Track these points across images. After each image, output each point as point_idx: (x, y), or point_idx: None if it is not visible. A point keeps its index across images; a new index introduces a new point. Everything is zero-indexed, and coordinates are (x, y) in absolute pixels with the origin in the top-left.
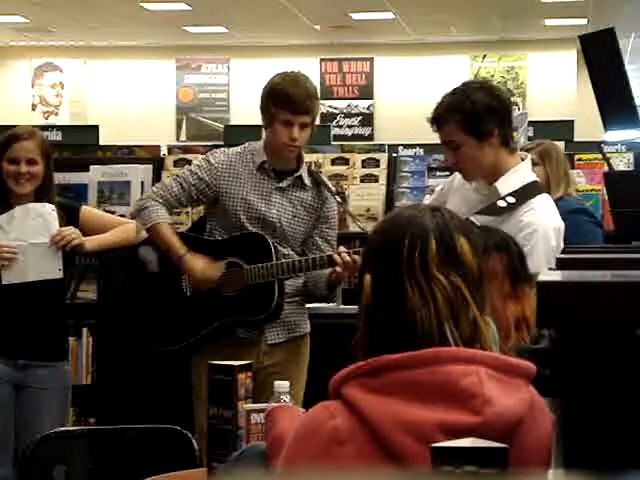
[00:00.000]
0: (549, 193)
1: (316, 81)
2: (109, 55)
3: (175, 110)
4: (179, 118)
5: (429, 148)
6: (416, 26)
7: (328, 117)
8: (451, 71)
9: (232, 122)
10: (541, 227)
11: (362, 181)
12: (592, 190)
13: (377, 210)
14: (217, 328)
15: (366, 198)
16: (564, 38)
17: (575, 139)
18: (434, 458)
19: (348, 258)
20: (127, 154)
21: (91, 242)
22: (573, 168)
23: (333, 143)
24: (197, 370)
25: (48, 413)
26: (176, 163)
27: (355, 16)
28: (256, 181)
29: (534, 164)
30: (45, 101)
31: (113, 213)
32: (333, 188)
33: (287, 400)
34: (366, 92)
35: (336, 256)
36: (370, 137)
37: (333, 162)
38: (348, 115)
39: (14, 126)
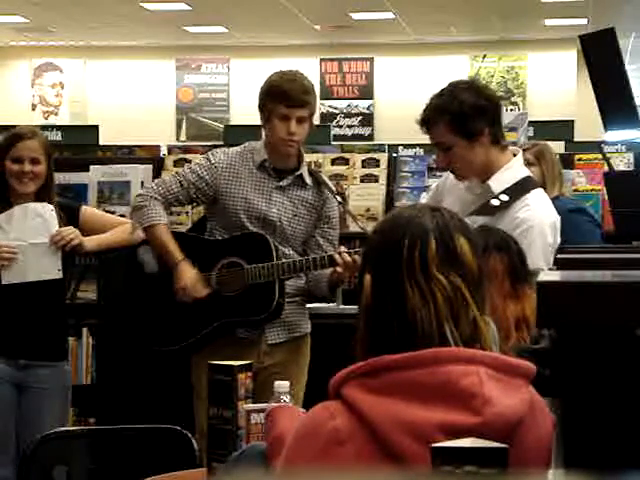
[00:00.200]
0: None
1: (316, 81)
2: (109, 55)
3: (175, 110)
4: (179, 118)
5: (429, 148)
6: (416, 26)
7: (328, 117)
8: (451, 71)
9: (232, 122)
10: (537, 223)
11: (362, 181)
12: (592, 190)
13: (377, 210)
14: (217, 328)
15: (366, 198)
16: (564, 38)
17: (575, 139)
18: (434, 458)
19: (349, 258)
20: (127, 154)
21: (91, 242)
22: (573, 168)
23: (333, 143)
24: (197, 370)
25: (49, 413)
26: (176, 163)
27: (355, 16)
28: (256, 180)
29: (530, 164)
30: (45, 101)
31: (113, 213)
32: (334, 188)
33: (287, 400)
34: (366, 92)
35: (336, 256)
36: (370, 137)
37: (333, 162)
38: (348, 115)
39: (14, 126)
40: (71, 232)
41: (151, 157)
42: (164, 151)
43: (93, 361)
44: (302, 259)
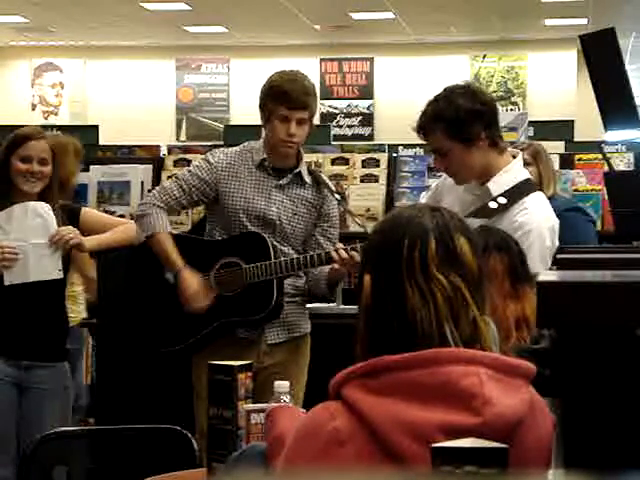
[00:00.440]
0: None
1: (316, 81)
2: (109, 55)
3: (175, 110)
4: (179, 118)
5: (429, 148)
6: (416, 26)
7: (328, 117)
8: (451, 71)
9: (232, 122)
10: (535, 227)
11: (362, 181)
12: (592, 190)
13: (377, 210)
14: (217, 328)
15: (366, 198)
16: (564, 38)
17: (575, 139)
18: (434, 458)
19: (345, 254)
20: (127, 154)
21: (91, 241)
22: (573, 168)
23: (333, 143)
24: (197, 370)
25: (50, 414)
26: (176, 163)
27: (355, 16)
28: (255, 179)
29: (527, 164)
30: (45, 101)
31: (113, 213)
32: (333, 187)
33: (287, 400)
34: (366, 92)
35: (334, 253)
36: (370, 137)
37: (333, 162)
38: (348, 115)
39: (14, 126)
40: (70, 231)
41: (151, 157)
42: (164, 151)
43: (93, 361)
44: (299, 257)
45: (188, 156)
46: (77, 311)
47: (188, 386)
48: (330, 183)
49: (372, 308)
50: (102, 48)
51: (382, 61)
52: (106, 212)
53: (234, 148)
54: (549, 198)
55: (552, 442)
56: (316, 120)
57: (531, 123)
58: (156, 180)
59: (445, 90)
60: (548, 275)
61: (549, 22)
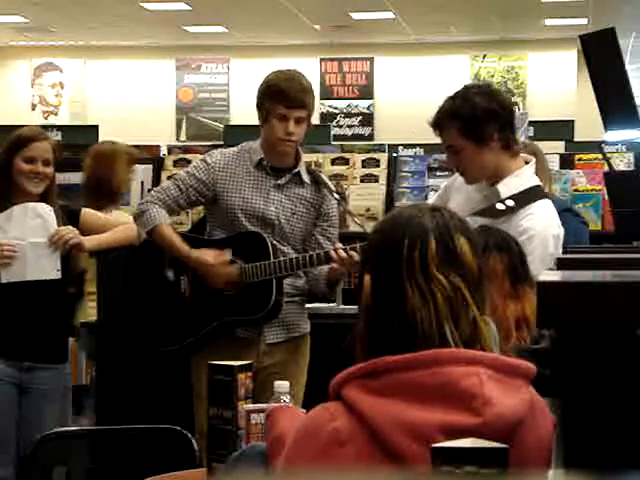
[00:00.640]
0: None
1: (316, 81)
2: (109, 55)
3: (175, 110)
4: (179, 118)
5: (429, 148)
6: (416, 26)
7: (328, 117)
8: (451, 71)
9: (232, 122)
10: (539, 233)
11: (362, 181)
12: (592, 190)
13: (377, 210)
14: (216, 328)
15: (366, 198)
16: (564, 38)
17: (575, 139)
18: (434, 459)
19: (344, 254)
20: None
21: (91, 241)
22: (573, 168)
23: (333, 143)
24: (197, 370)
25: (50, 415)
26: (176, 163)
27: (355, 16)
28: (254, 179)
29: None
30: (45, 101)
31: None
32: (332, 186)
33: (287, 400)
34: (366, 92)
35: (332, 252)
36: (370, 137)
37: (333, 162)
38: (348, 115)
39: (14, 126)
40: (69, 231)
41: (151, 157)
42: (164, 151)
43: (93, 361)
44: (298, 256)
45: (188, 156)
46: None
47: (188, 386)
48: (329, 183)
49: (372, 308)
50: (102, 48)
51: (382, 61)
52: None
53: (232, 148)
54: None
55: (552, 442)
56: (316, 120)
57: (531, 123)
58: (156, 180)
59: (464, 88)
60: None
61: (549, 22)
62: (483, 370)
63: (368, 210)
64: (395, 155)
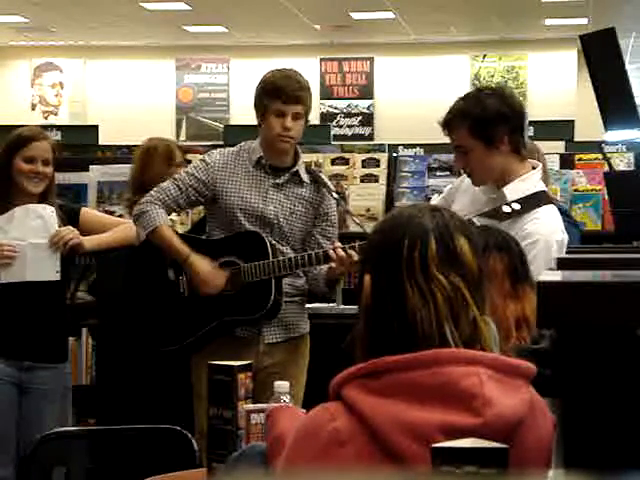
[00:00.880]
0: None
1: (316, 81)
2: (109, 55)
3: (175, 110)
4: (179, 118)
5: (429, 148)
6: (416, 26)
7: (328, 117)
8: (451, 71)
9: (232, 122)
10: (543, 238)
11: (362, 181)
12: (592, 190)
13: (377, 210)
14: (216, 327)
15: (366, 198)
16: (564, 38)
17: (575, 139)
18: (434, 459)
19: (343, 253)
20: (127, 154)
21: (91, 241)
22: (573, 168)
23: (333, 143)
24: (197, 370)
25: (50, 415)
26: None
27: (355, 16)
28: (253, 178)
29: None
30: (45, 101)
31: (112, 213)
32: (332, 186)
33: (287, 400)
34: (366, 92)
35: (331, 252)
36: (370, 137)
37: (333, 162)
38: (348, 115)
39: (14, 126)
40: (69, 232)
41: None
42: None
43: (93, 361)
44: (297, 256)
45: (188, 156)
46: None
47: (188, 386)
48: (328, 182)
49: (372, 308)
50: (102, 48)
51: (382, 61)
52: (106, 212)
53: (231, 148)
54: None
55: (552, 442)
56: (316, 120)
57: (531, 123)
58: None
59: (476, 89)
60: (548, 275)
61: (549, 22)
62: (483, 370)
63: (368, 210)
64: (395, 155)
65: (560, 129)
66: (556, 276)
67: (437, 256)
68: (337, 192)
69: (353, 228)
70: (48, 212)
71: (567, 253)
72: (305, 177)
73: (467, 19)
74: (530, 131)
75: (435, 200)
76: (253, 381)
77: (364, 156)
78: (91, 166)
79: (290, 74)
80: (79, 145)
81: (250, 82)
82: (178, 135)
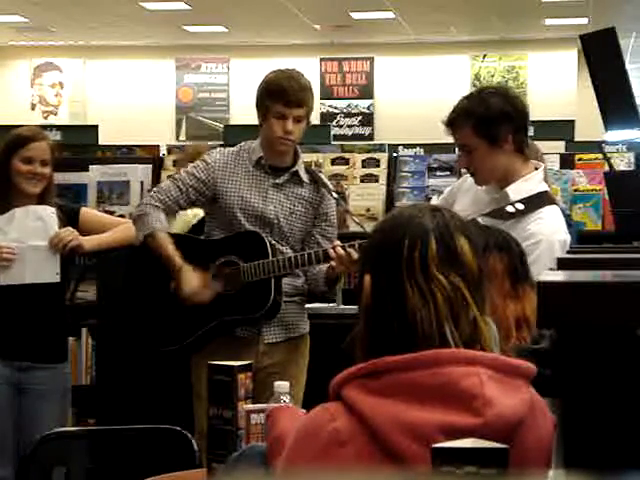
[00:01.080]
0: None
1: (316, 81)
2: (109, 55)
3: (175, 110)
4: (179, 118)
5: (429, 148)
6: (416, 26)
7: (328, 117)
8: (451, 71)
9: (232, 122)
10: (546, 238)
11: (362, 181)
12: (592, 190)
13: (377, 210)
14: (215, 327)
15: (366, 198)
16: (564, 38)
17: (575, 139)
18: (434, 459)
19: (342, 252)
20: (127, 154)
21: (91, 242)
22: (573, 168)
23: (333, 143)
24: (197, 370)
25: (49, 415)
26: (175, 163)
27: (355, 16)
28: (252, 178)
29: None
30: (45, 101)
31: (112, 213)
32: (331, 186)
33: (287, 400)
34: (366, 92)
35: (331, 250)
36: (370, 137)
37: (333, 162)
38: (348, 115)
39: (14, 126)
40: (69, 233)
41: (151, 157)
42: (164, 151)
43: (93, 361)
44: (297, 255)
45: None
46: None
47: (188, 386)
48: (328, 182)
49: (372, 308)
50: (102, 48)
51: (382, 61)
52: (106, 212)
53: (231, 148)
54: None
55: (552, 442)
56: (316, 120)
57: (531, 123)
58: (156, 180)
59: (479, 89)
60: (548, 275)
61: (549, 22)
62: (483, 370)
63: (368, 210)
64: (395, 155)
65: (560, 129)
66: (556, 276)
67: (437, 256)
68: (337, 192)
69: (353, 228)
70: (48, 213)
71: (567, 253)
72: (305, 177)
73: (467, 19)
74: (530, 131)
75: (435, 200)
76: (253, 381)
77: (364, 156)
78: (91, 166)
79: (292, 75)
80: (79, 145)
81: (250, 82)
82: (178, 135)
